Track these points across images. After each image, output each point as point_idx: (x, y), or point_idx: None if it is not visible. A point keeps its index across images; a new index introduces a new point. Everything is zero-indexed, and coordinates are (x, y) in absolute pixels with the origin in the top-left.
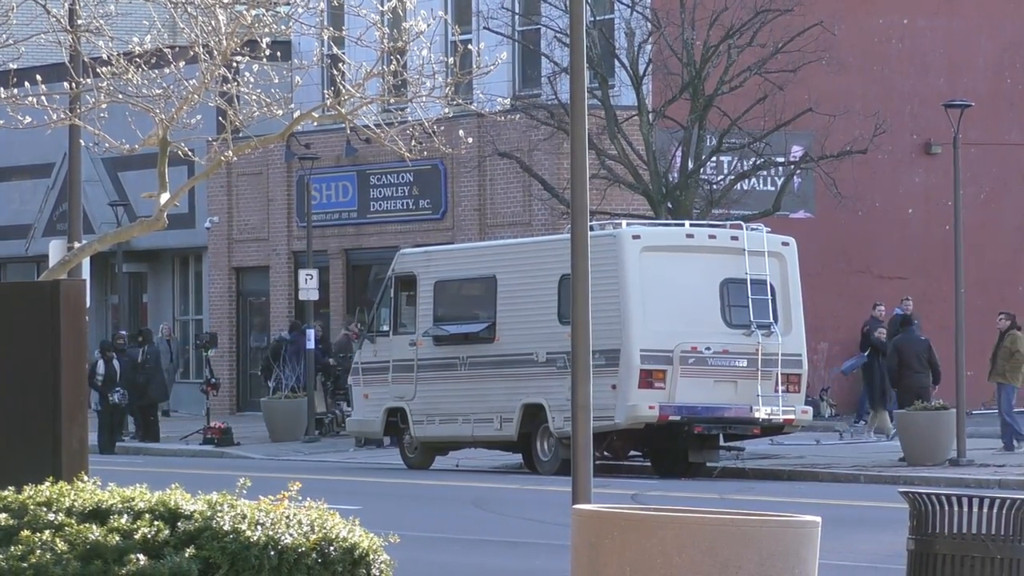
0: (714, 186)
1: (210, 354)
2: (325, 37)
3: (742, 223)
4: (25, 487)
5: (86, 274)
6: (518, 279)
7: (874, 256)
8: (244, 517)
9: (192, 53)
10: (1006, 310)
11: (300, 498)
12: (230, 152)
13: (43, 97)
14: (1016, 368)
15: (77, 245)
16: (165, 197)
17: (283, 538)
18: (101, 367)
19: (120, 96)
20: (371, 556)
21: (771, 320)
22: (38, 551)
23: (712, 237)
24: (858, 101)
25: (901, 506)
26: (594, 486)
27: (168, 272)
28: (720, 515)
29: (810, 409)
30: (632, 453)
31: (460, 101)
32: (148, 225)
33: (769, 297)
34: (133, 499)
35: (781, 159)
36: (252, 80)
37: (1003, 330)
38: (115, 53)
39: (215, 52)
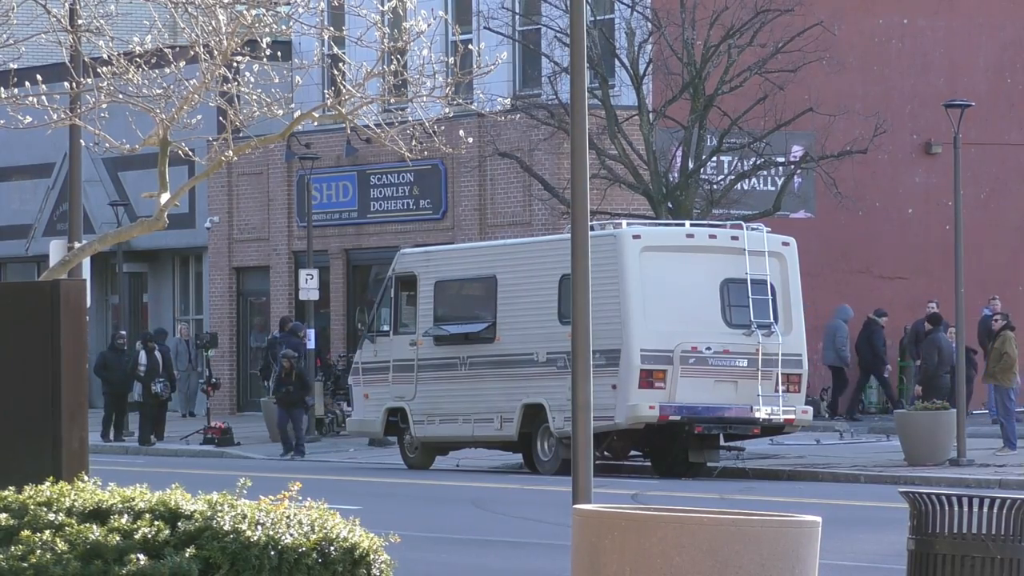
0: (714, 186)
1: (210, 354)
2: (325, 37)
3: (742, 223)
4: (25, 487)
5: (86, 274)
6: (518, 279)
7: (874, 256)
8: (244, 517)
9: (192, 53)
10: (1000, 311)
11: (300, 498)
12: (230, 152)
13: (43, 97)
14: (1006, 369)
15: (77, 245)
16: (165, 197)
17: (283, 538)
18: (143, 358)
19: (120, 96)
20: (371, 556)
21: (771, 320)
22: (38, 551)
23: (712, 237)
24: (858, 101)
25: (901, 506)
26: (594, 486)
27: (168, 272)
28: (720, 515)
29: (810, 409)
30: (632, 453)
31: (460, 101)
32: (148, 225)
33: (769, 297)
34: (133, 499)
35: (781, 159)
36: (252, 80)
37: (996, 331)
38: (115, 53)
39: (215, 52)
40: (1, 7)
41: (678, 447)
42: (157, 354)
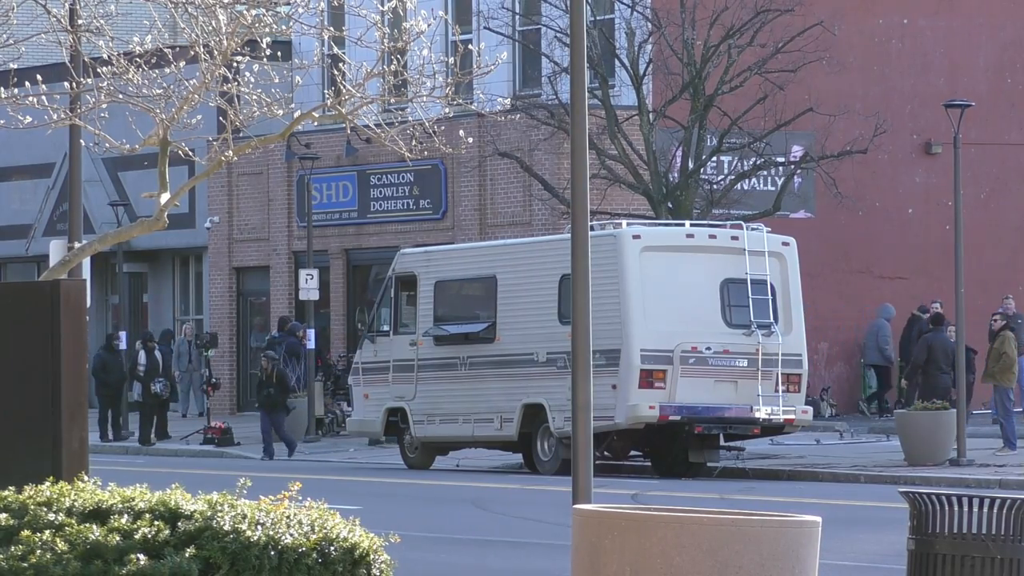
0: (714, 186)
1: (210, 354)
2: (325, 37)
3: (742, 223)
4: (25, 487)
5: (86, 274)
6: (518, 279)
7: (874, 256)
8: (244, 517)
9: (192, 53)
10: (1000, 311)
11: (300, 498)
12: (230, 152)
13: (43, 97)
14: (1005, 369)
15: (77, 245)
16: (165, 197)
17: (283, 538)
18: (143, 358)
19: (120, 96)
20: (371, 556)
21: (771, 320)
22: (38, 551)
23: (712, 237)
24: (858, 101)
25: (901, 506)
26: (594, 486)
27: (168, 272)
28: (720, 515)
29: (810, 409)
30: (632, 453)
31: (460, 101)
32: (148, 225)
33: (769, 297)
34: (133, 499)
35: (781, 159)
36: (252, 80)
37: (996, 331)
38: (115, 53)
39: (215, 52)
40: (1, 7)
41: (678, 447)
42: (157, 354)
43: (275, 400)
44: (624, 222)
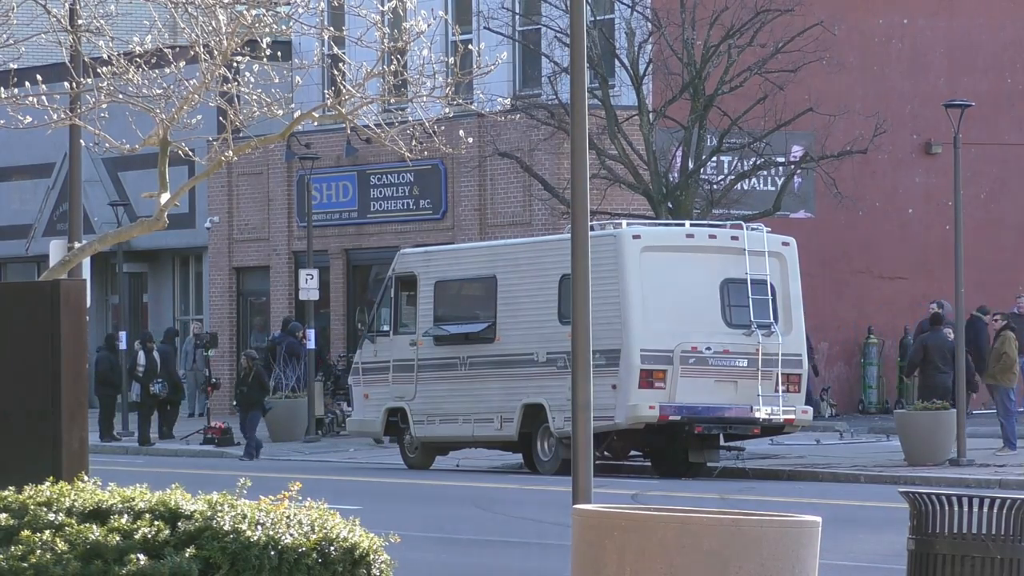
0: (714, 186)
1: (210, 354)
2: (325, 37)
3: (742, 223)
4: (25, 487)
5: (86, 274)
6: (518, 279)
7: (874, 256)
8: (244, 517)
9: (192, 53)
10: (1001, 311)
11: (300, 498)
12: (230, 152)
13: (43, 97)
14: (1006, 369)
15: (77, 245)
16: (165, 197)
17: (283, 538)
18: (142, 358)
19: (120, 96)
20: (371, 556)
21: (771, 320)
22: (38, 551)
23: (712, 237)
24: (858, 101)
25: (901, 506)
26: (594, 486)
27: (168, 272)
28: (720, 515)
29: (810, 409)
30: (632, 453)
31: (460, 101)
32: (148, 225)
33: (769, 297)
34: (133, 499)
35: (781, 159)
36: (252, 80)
37: (997, 331)
38: (115, 53)
39: (215, 52)
40: (1, 7)
41: (678, 447)
42: (155, 355)
43: (248, 399)
44: (624, 222)
